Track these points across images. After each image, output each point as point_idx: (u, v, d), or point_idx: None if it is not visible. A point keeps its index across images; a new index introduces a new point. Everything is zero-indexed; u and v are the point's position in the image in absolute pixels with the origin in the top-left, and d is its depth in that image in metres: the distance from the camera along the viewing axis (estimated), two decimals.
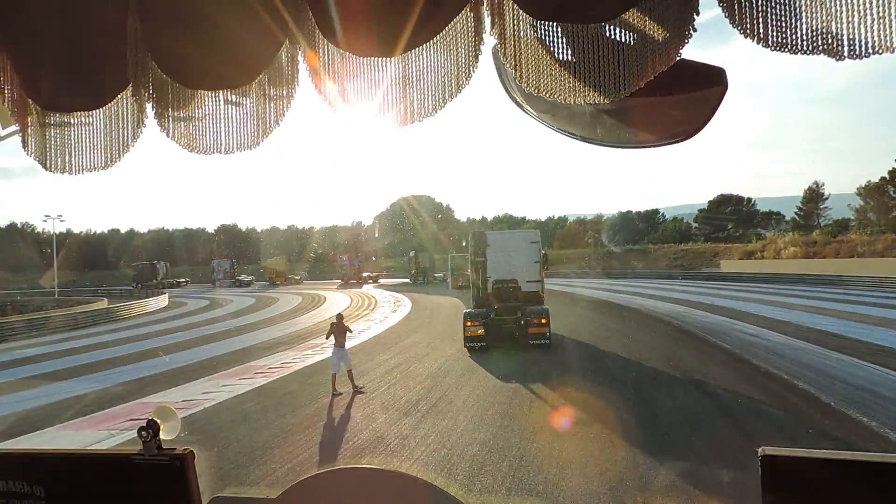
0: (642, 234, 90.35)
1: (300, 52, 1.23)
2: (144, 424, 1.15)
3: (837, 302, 30.29)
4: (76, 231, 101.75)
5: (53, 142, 1.38)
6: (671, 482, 7.53)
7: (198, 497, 1.15)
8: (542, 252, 21.04)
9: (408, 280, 61.97)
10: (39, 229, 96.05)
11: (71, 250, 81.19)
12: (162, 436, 1.16)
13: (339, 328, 13.28)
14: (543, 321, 17.85)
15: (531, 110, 1.32)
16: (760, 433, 9.71)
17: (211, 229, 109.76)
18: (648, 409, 11.35)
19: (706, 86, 1.18)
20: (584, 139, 1.30)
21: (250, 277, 73.21)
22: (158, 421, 1.15)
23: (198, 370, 16.57)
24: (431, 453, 8.88)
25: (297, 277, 71.85)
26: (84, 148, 1.37)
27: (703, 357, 16.54)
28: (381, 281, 65.90)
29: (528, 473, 7.97)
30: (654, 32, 1.02)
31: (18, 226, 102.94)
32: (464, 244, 21.04)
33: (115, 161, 1.36)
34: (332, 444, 9.60)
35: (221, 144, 1.31)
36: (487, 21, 1.13)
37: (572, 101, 1.08)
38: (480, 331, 17.83)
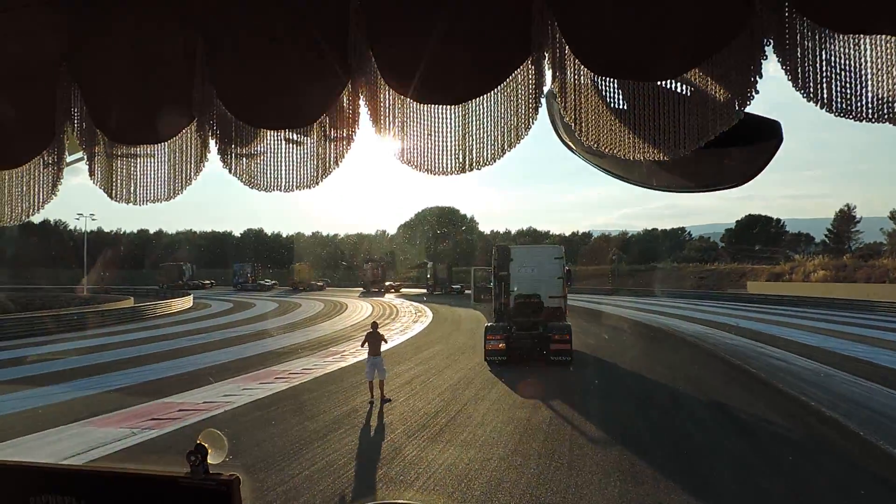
0: (667, 252, 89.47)
1: (361, 96, 1.24)
2: (193, 448, 1.16)
3: (867, 328, 29.58)
4: (106, 230, 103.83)
5: (120, 172, 1.42)
6: None
7: None
8: (566, 268, 20.92)
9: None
10: (71, 227, 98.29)
11: (100, 249, 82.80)
12: (209, 460, 1.17)
13: (373, 336, 13.31)
14: (566, 337, 17.71)
15: (580, 152, 1.32)
16: (785, 460, 9.51)
17: (238, 233, 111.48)
18: (670, 431, 11.19)
19: (761, 139, 1.16)
20: (633, 182, 1.29)
21: (272, 282, 73.92)
22: (206, 445, 1.17)
23: (220, 372, 16.73)
24: (449, 467, 8.83)
25: (319, 284, 72.35)
26: (149, 179, 1.41)
27: (727, 380, 16.26)
28: (403, 291, 66.05)
29: (545, 492, 7.88)
30: (715, 92, 1.01)
31: (52, 223, 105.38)
32: (494, 261, 20.93)
33: (178, 193, 1.39)
34: (349, 454, 9.60)
35: (282, 182, 1.33)
36: (548, 74, 1.14)
37: (631, 157, 1.08)
38: (501, 345, 17.75)
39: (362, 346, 13.46)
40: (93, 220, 70.47)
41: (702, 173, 1.23)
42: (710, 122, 1.02)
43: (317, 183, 1.32)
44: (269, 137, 1.33)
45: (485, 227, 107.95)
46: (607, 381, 16.50)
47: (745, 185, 1.28)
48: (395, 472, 8.70)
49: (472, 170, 1.19)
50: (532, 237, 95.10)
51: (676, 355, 21.39)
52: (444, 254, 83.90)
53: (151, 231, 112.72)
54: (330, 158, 1.30)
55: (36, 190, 1.49)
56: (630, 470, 8.76)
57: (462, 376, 16.17)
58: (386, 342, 14.06)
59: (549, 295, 19.71)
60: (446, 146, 1.20)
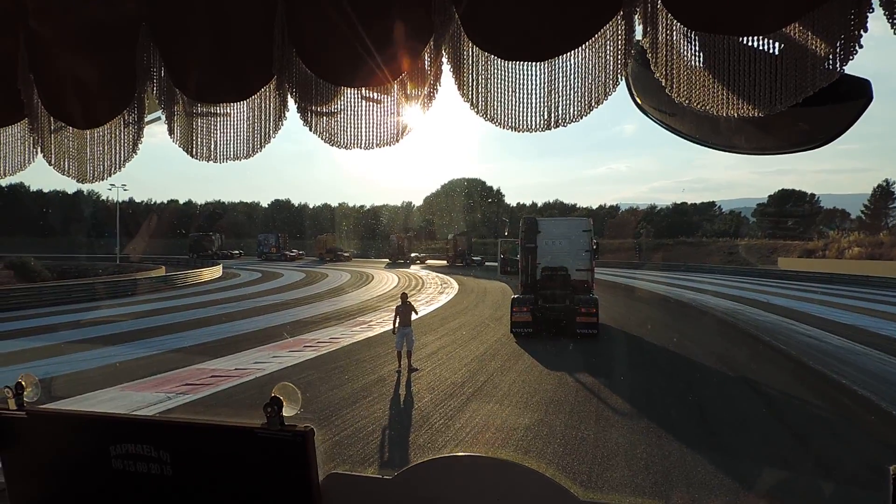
0: (696, 226, 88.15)
1: (444, 53, 1.24)
2: (269, 400, 1.20)
3: None
4: (137, 200, 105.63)
5: (199, 131, 1.45)
6: (719, 481, 7.39)
7: (316, 472, 1.20)
8: (594, 241, 20.78)
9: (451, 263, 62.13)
10: (104, 197, 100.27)
11: (132, 219, 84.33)
12: (284, 412, 1.21)
13: (404, 307, 13.44)
14: (592, 311, 17.68)
15: (655, 115, 1.29)
16: (814, 436, 9.44)
17: (265, 204, 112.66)
18: (697, 405, 11.15)
19: (849, 98, 1.11)
20: (700, 142, 1.27)
21: (296, 252, 74.71)
22: (281, 398, 1.20)
23: (250, 340, 17.06)
24: (476, 435, 8.94)
25: (346, 254, 72.89)
26: (228, 138, 1.43)
27: (756, 356, 16.10)
28: (429, 262, 66.25)
29: (572, 461, 7.95)
30: (815, 47, 0.98)
31: (85, 193, 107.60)
32: (521, 233, 20.84)
33: (257, 151, 1.41)
34: (378, 421, 9.77)
35: (361, 140, 1.34)
36: (639, 28, 1.11)
37: (724, 114, 1.05)
38: (528, 317, 17.79)
39: (394, 324, 13.41)
40: (125, 190, 71.79)
41: (788, 132, 1.19)
42: (808, 77, 0.99)
43: (396, 141, 1.32)
44: (348, 95, 1.33)
45: (511, 200, 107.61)
46: (634, 354, 16.46)
47: (779, 157, 1.24)
48: (424, 439, 8.84)
49: (557, 126, 1.18)
50: (559, 210, 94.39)
51: (704, 330, 21.22)
52: (469, 225, 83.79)
53: (181, 202, 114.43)
54: (410, 116, 1.31)
55: (117, 149, 1.52)
56: (656, 441, 8.78)
57: (488, 347, 16.26)
58: (416, 313, 14.16)
59: (577, 268, 19.65)
60: (531, 103, 1.19)
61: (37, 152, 1.62)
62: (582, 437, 9.02)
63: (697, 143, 1.28)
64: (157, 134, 1.65)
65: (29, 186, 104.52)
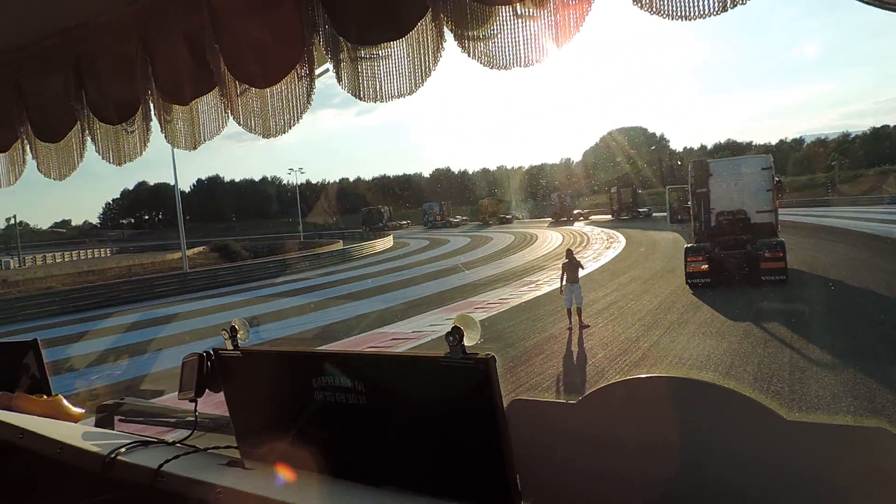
0: None
1: None
2: (450, 330, 1.25)
3: None
4: (314, 182, 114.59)
5: (365, 74, 1.53)
6: None
7: (500, 397, 1.23)
8: (776, 179, 18.92)
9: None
10: (284, 181, 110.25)
11: (311, 198, 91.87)
12: (465, 342, 1.26)
13: (570, 264, 13.30)
14: (779, 255, 16.20)
15: None
16: None
17: (427, 174, 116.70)
18: None
19: None
20: None
21: (459, 218, 76.60)
22: (461, 328, 1.25)
23: (424, 304, 17.90)
24: None
25: (508, 217, 73.36)
26: (392, 77, 1.50)
27: None
28: (592, 217, 64.61)
29: None
30: None
31: (269, 179, 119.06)
32: (690, 178, 19.53)
33: (419, 86, 1.46)
34: (552, 377, 9.82)
35: (520, 58, 1.33)
36: None
37: None
38: (704, 266, 16.74)
39: (562, 282, 13.26)
40: (302, 173, 78.26)
41: None
42: None
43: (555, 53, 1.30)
44: (502, 15, 1.33)
45: (677, 145, 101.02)
46: (833, 300, 14.83)
47: None
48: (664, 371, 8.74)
49: (734, 6, 1.06)
50: (731, 150, 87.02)
51: None
52: (632, 176, 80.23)
53: (351, 179, 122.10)
54: (567, 27, 1.27)
55: (293, 103, 1.65)
56: (866, 395, 7.90)
57: (662, 300, 15.58)
58: (583, 268, 13.89)
59: (757, 210, 18.08)
60: None
61: (228, 116, 1.79)
62: (775, 389, 8.38)
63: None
64: (322, 118, 1.76)
65: (223, 177, 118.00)
